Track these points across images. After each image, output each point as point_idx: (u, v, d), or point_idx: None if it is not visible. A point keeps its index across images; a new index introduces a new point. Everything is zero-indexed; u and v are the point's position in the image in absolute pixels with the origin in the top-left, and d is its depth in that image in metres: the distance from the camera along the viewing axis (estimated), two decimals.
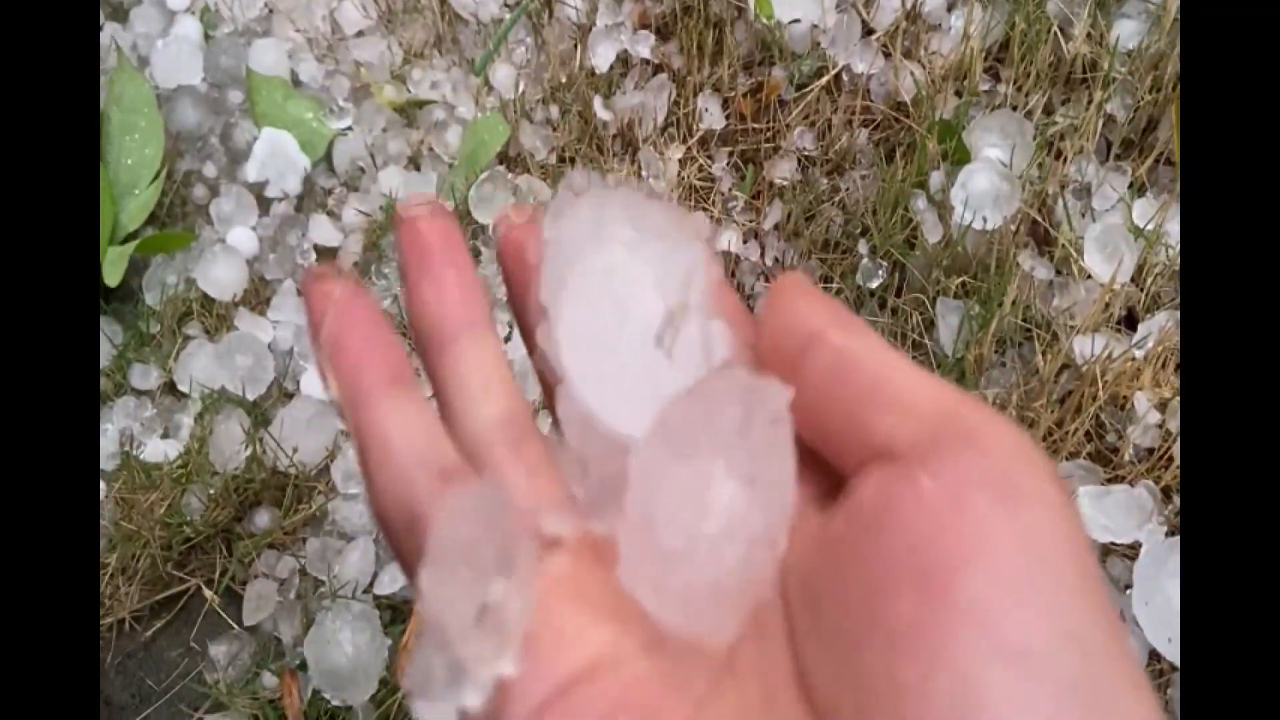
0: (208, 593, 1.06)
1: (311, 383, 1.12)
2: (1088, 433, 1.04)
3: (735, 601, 0.29)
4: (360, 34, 1.29)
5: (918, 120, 1.15)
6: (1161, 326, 1.05)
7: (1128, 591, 0.98)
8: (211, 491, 1.06)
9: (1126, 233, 1.09)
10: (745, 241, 1.16)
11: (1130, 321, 1.09)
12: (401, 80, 1.25)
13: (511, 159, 1.21)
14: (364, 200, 1.20)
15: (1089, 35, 1.17)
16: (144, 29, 1.30)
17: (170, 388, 1.14)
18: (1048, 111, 1.17)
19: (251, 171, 1.21)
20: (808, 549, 0.29)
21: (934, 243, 1.11)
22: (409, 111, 1.24)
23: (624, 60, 1.23)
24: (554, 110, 1.22)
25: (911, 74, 1.17)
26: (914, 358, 1.08)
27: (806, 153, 1.19)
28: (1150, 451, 1.03)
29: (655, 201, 0.33)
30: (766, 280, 1.15)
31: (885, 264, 1.12)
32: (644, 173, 1.18)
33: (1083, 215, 1.12)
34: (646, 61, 1.23)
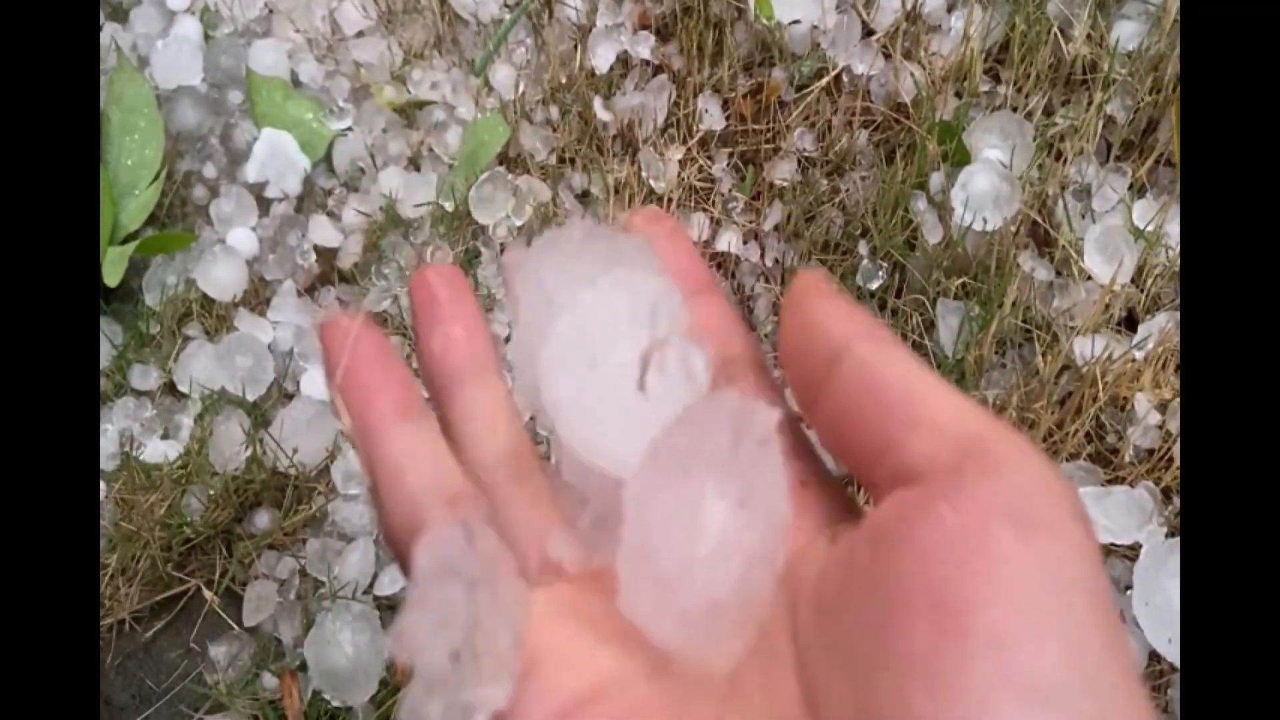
0: (208, 593, 1.06)
1: (311, 384, 1.12)
2: (1088, 434, 1.04)
3: (735, 622, 0.29)
4: (360, 34, 1.29)
5: (918, 121, 1.15)
6: (1162, 328, 1.05)
7: (1128, 592, 0.98)
8: (211, 492, 1.06)
9: (1127, 234, 1.09)
10: (745, 242, 1.16)
11: (1130, 323, 1.09)
12: (401, 81, 1.25)
13: (511, 160, 1.21)
14: (364, 201, 1.20)
15: (1089, 36, 1.17)
16: (144, 29, 1.30)
17: (170, 388, 1.14)
18: (1048, 113, 1.17)
19: (251, 172, 1.21)
20: (820, 572, 0.29)
21: (934, 244, 1.11)
22: (409, 112, 1.24)
23: (624, 61, 1.23)
24: (554, 111, 1.22)
25: (911, 75, 1.17)
26: None
27: (806, 154, 1.19)
28: (1150, 452, 1.03)
29: (604, 234, 0.34)
30: (766, 281, 1.15)
31: (885, 265, 1.12)
32: (644, 173, 1.18)
33: (1083, 216, 1.12)
34: (646, 62, 1.23)
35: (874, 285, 1.12)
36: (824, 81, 1.19)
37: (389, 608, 1.05)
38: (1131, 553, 1.00)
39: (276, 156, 1.20)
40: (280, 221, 1.19)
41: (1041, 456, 0.27)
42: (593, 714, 0.26)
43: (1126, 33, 1.17)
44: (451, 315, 0.35)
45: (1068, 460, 1.03)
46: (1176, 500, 0.99)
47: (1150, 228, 1.09)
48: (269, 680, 1.02)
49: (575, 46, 1.24)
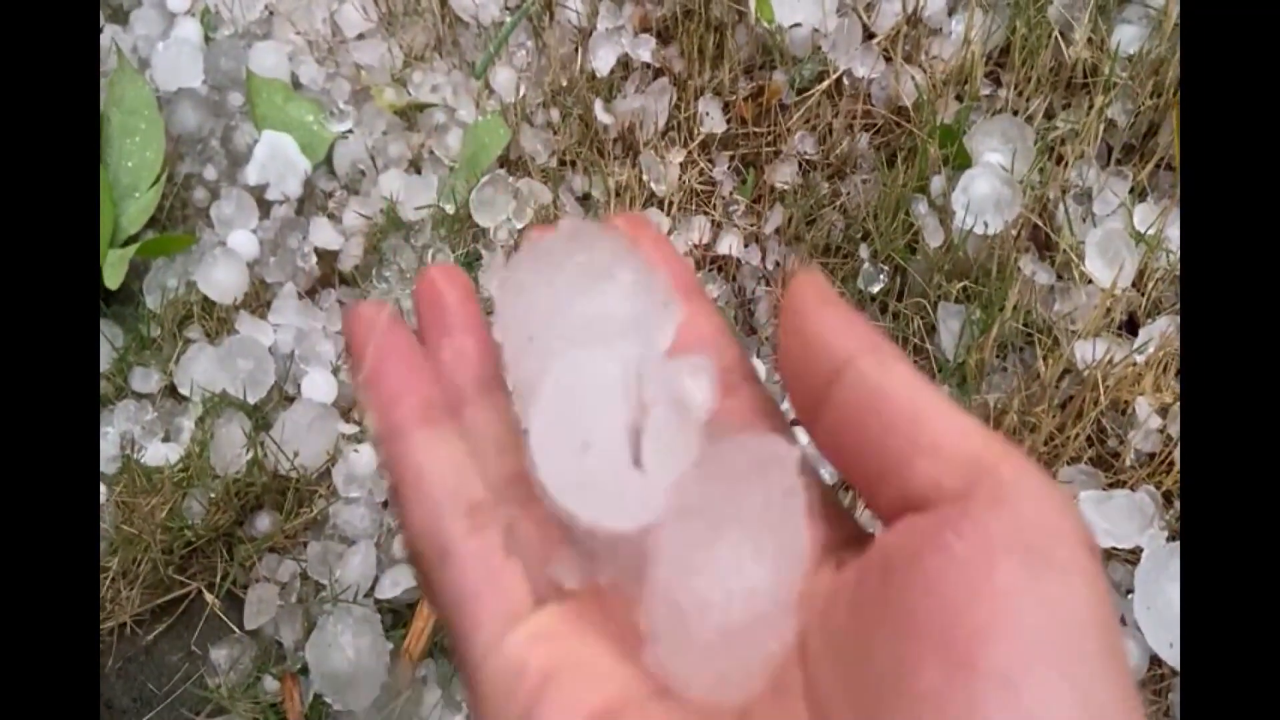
0: (209, 596, 1.06)
1: (312, 386, 1.12)
2: (1089, 438, 1.04)
3: (756, 663, 0.29)
4: (361, 37, 1.29)
5: (919, 125, 1.15)
6: (1163, 331, 1.05)
7: (1129, 596, 0.98)
8: (212, 495, 1.06)
9: (1128, 238, 1.09)
10: (746, 245, 1.16)
11: (1131, 326, 1.09)
12: (402, 83, 1.25)
13: (512, 162, 1.21)
14: (365, 203, 1.20)
15: (1090, 40, 1.17)
16: (144, 31, 1.30)
17: (171, 391, 1.14)
18: (1049, 116, 1.17)
19: (252, 174, 1.21)
20: (827, 600, 0.29)
21: (935, 247, 1.11)
22: (409, 114, 1.24)
23: (625, 64, 1.23)
24: (555, 113, 1.22)
25: (912, 78, 1.17)
26: (915, 362, 1.08)
27: (807, 157, 1.19)
28: (1151, 456, 1.03)
29: (584, 242, 0.33)
30: (767, 284, 1.15)
31: (886, 268, 1.12)
32: (645, 176, 1.18)
33: (1084, 220, 1.12)
34: (647, 65, 1.23)
35: (875, 289, 1.12)
36: (825, 85, 1.19)
37: (390, 611, 1.05)
38: (1132, 557, 1.00)
39: (277, 159, 1.20)
40: (281, 224, 1.19)
41: (1049, 482, 0.27)
42: None
43: (1127, 36, 1.17)
44: (462, 325, 0.34)
45: (1069, 464, 1.03)
46: (1177, 504, 0.99)
47: (1151, 231, 1.09)
48: (270, 683, 1.02)
49: (576, 49, 1.24)
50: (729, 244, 1.16)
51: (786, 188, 1.17)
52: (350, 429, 1.10)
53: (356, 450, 1.08)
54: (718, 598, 0.28)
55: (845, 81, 1.20)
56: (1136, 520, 0.99)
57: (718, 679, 0.28)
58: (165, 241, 1.18)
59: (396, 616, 1.05)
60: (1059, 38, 1.17)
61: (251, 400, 1.11)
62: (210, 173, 1.23)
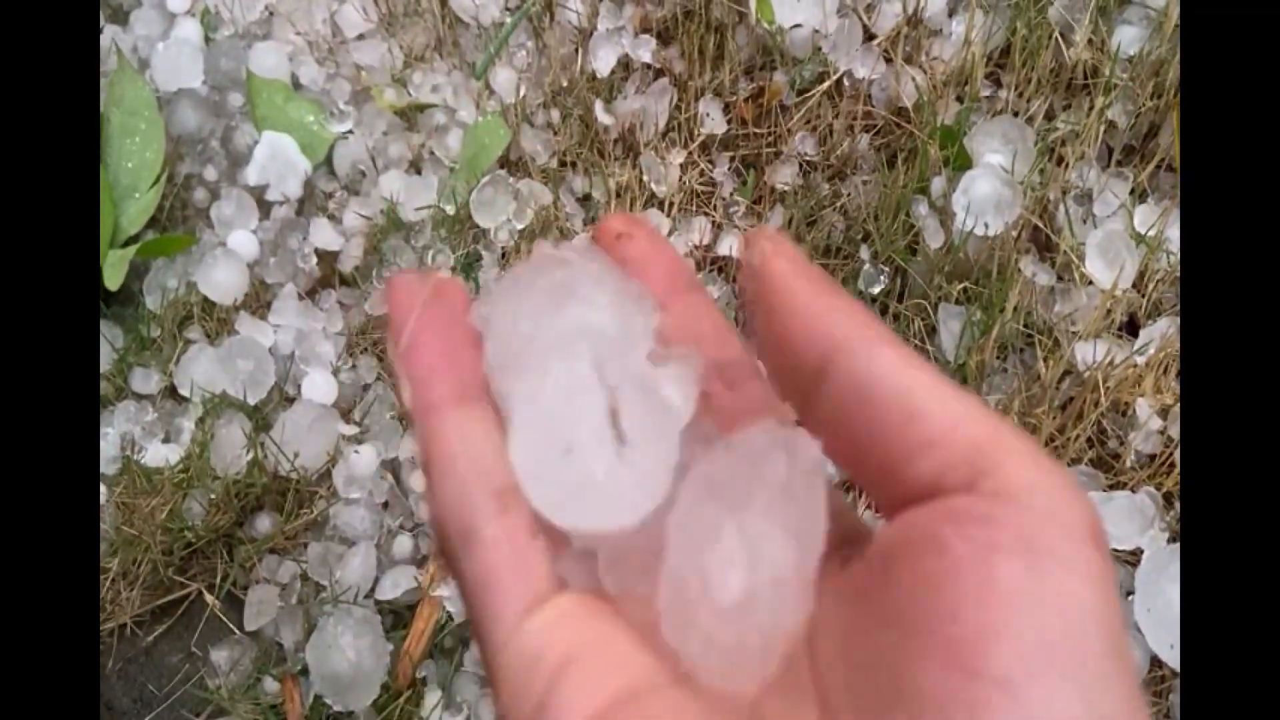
0: (209, 598, 1.06)
1: (313, 387, 1.12)
2: (1089, 439, 1.04)
3: (777, 650, 0.28)
4: (361, 37, 1.29)
5: (919, 126, 1.15)
6: (1163, 333, 1.05)
7: (1130, 598, 0.98)
8: (213, 496, 1.06)
9: (1128, 239, 1.09)
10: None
11: (1132, 328, 1.09)
12: (402, 84, 1.25)
13: (513, 163, 1.21)
14: (365, 204, 1.20)
15: (1090, 41, 1.17)
16: (144, 31, 1.30)
17: (171, 392, 1.14)
18: (1049, 117, 1.17)
19: (252, 175, 1.20)
20: (833, 598, 0.29)
21: (935, 248, 1.11)
22: (410, 115, 1.24)
23: (625, 64, 1.23)
24: (555, 114, 1.22)
25: (913, 79, 1.17)
26: None
27: (808, 158, 1.19)
28: (1152, 458, 1.03)
29: (559, 267, 0.33)
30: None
31: (887, 269, 1.12)
32: (645, 177, 1.18)
33: (1084, 221, 1.12)
34: (648, 66, 1.23)
35: (875, 290, 1.12)
36: (825, 86, 1.19)
37: (391, 612, 1.05)
38: (1133, 558, 1.00)
39: (277, 159, 1.20)
40: (281, 224, 1.19)
41: (1054, 470, 0.27)
42: (632, 714, 0.26)
43: (1128, 38, 1.17)
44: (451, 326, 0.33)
45: (1069, 465, 1.03)
46: (1178, 506, 0.99)
47: (1151, 233, 1.09)
48: (270, 685, 1.02)
49: (576, 50, 1.24)
50: (729, 245, 1.16)
51: (787, 189, 1.17)
52: (350, 430, 1.10)
53: (357, 451, 1.08)
54: (732, 574, 0.28)
55: (846, 82, 1.20)
56: (1137, 522, 0.99)
57: (731, 658, 0.28)
58: (165, 242, 1.18)
59: (397, 618, 1.05)
60: (1059, 39, 1.17)
61: (252, 401, 1.11)
62: (210, 173, 1.23)
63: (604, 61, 1.22)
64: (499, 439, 0.30)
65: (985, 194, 1.08)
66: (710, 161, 1.20)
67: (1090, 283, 1.08)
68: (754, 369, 0.35)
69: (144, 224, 1.19)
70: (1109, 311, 1.07)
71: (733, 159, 1.20)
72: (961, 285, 1.09)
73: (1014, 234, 1.10)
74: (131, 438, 1.10)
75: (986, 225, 1.08)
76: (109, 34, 1.28)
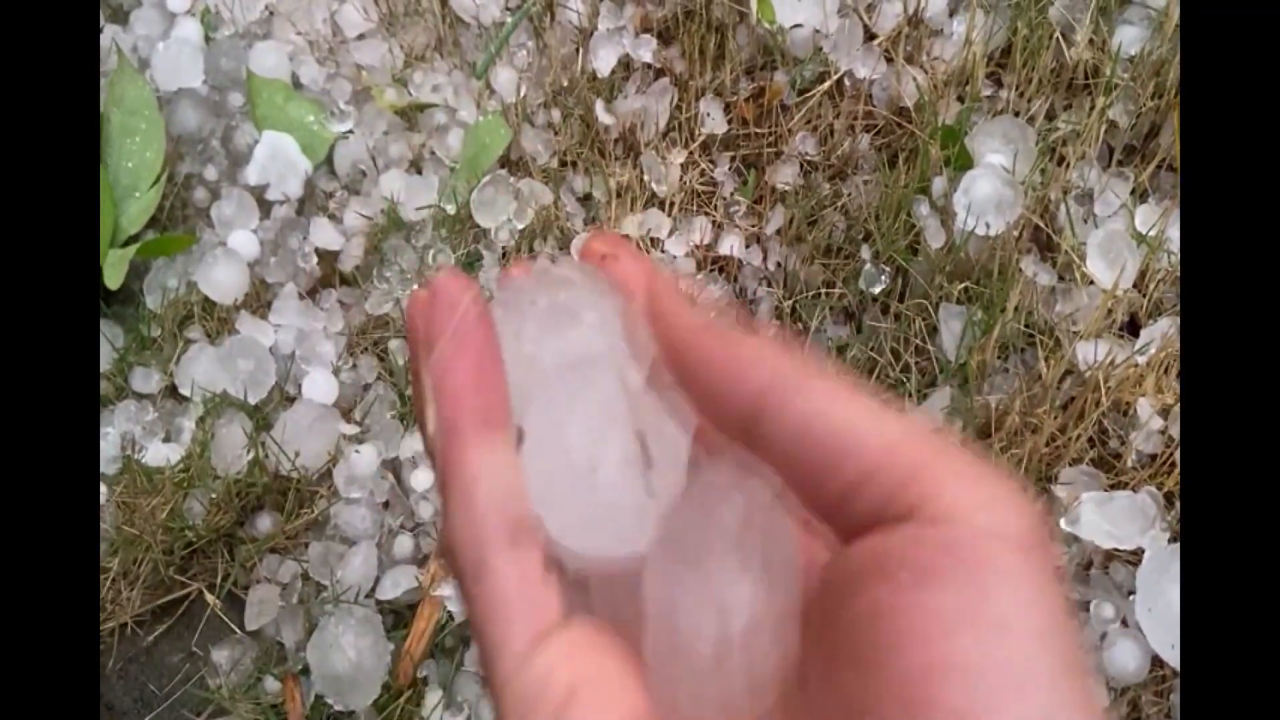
0: (210, 597, 1.06)
1: (313, 386, 1.12)
2: (1091, 439, 1.04)
3: (767, 687, 0.29)
4: (361, 37, 1.29)
5: (920, 125, 1.15)
6: (1164, 332, 1.05)
7: (1131, 597, 0.98)
8: (213, 495, 1.06)
9: (1129, 239, 1.09)
10: (747, 246, 1.16)
11: (1133, 327, 1.09)
12: (403, 83, 1.25)
13: (513, 163, 1.21)
14: (365, 204, 1.20)
15: (1091, 41, 1.17)
16: (144, 31, 1.30)
17: (171, 391, 1.14)
18: (1050, 117, 1.17)
19: (252, 174, 1.21)
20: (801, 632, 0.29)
21: (936, 248, 1.11)
22: (410, 115, 1.24)
23: (625, 64, 1.23)
24: (555, 114, 1.22)
25: (914, 79, 1.17)
26: (917, 364, 1.08)
27: (808, 158, 1.19)
28: (1153, 458, 1.03)
29: (557, 286, 0.32)
30: (769, 285, 1.15)
31: (888, 269, 1.12)
32: (646, 177, 1.18)
33: (1085, 221, 1.12)
34: (648, 65, 1.23)
35: (876, 290, 1.12)
36: (826, 85, 1.19)
37: (392, 612, 1.05)
38: (1134, 558, 1.00)
39: (277, 159, 1.20)
40: (281, 224, 1.19)
41: (997, 482, 0.27)
42: None
43: (1128, 38, 1.17)
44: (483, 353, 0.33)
45: (1071, 465, 1.03)
46: (1179, 505, 0.99)
47: (1152, 232, 1.09)
48: (271, 684, 1.02)
49: (577, 49, 1.24)
50: (730, 245, 1.16)
51: (788, 188, 1.17)
52: (351, 429, 1.10)
53: (358, 451, 1.08)
54: (704, 629, 0.28)
55: (846, 82, 1.20)
56: (1138, 521, 0.98)
57: (720, 706, 0.28)
58: (166, 242, 1.18)
59: (398, 617, 1.05)
60: (1060, 39, 1.17)
61: (252, 401, 1.11)
62: (211, 173, 1.23)
63: (605, 61, 1.22)
64: (516, 469, 0.30)
65: (986, 194, 1.08)
66: (711, 161, 1.20)
67: (1091, 282, 1.08)
68: None
69: (144, 223, 1.19)
70: (1110, 311, 1.07)
71: (733, 159, 1.20)
72: (963, 285, 1.09)
73: (1015, 234, 1.10)
74: (132, 437, 1.10)
75: (988, 225, 1.08)
76: (109, 34, 1.28)
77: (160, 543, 1.05)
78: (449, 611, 1.03)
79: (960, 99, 1.18)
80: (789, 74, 1.20)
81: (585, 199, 1.20)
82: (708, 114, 1.20)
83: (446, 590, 1.03)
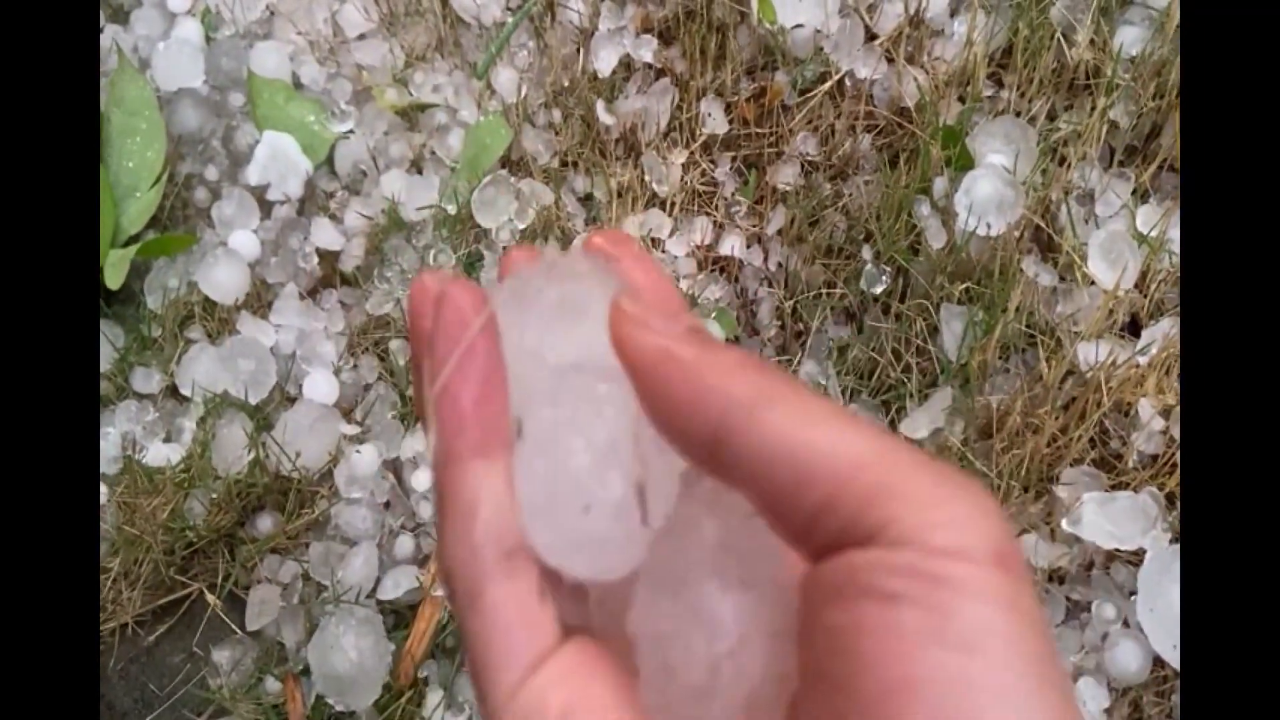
0: (210, 597, 1.06)
1: (314, 387, 1.12)
2: (1092, 439, 1.04)
3: (768, 697, 0.29)
4: (362, 37, 1.29)
5: (921, 126, 1.15)
6: (1165, 333, 1.05)
7: (1132, 598, 0.98)
8: (214, 496, 1.06)
9: (1130, 239, 1.09)
10: (748, 246, 1.16)
11: (1134, 328, 1.09)
12: (403, 83, 1.25)
13: (514, 163, 1.21)
14: (366, 204, 1.20)
15: (1092, 42, 1.17)
16: (145, 31, 1.30)
17: (172, 391, 1.14)
18: (1051, 118, 1.17)
19: (253, 174, 1.20)
20: None
21: (938, 249, 1.11)
22: (411, 115, 1.24)
23: (626, 64, 1.23)
24: (556, 114, 1.22)
25: (915, 79, 1.17)
26: (918, 364, 1.08)
27: (809, 158, 1.19)
28: (1154, 458, 1.03)
29: (565, 277, 0.32)
30: (769, 285, 1.15)
31: (889, 270, 1.12)
32: (647, 177, 1.18)
33: (1086, 221, 1.12)
34: (649, 66, 1.23)
35: (877, 290, 1.12)
36: (827, 86, 1.19)
37: (392, 612, 1.05)
38: (1136, 558, 1.00)
39: (278, 159, 1.20)
40: (282, 224, 1.19)
41: (959, 494, 0.26)
42: None
43: (1129, 38, 1.17)
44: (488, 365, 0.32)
45: (1072, 466, 1.03)
46: (1180, 506, 0.99)
47: (1154, 233, 1.09)
48: (272, 685, 1.02)
49: (577, 49, 1.24)
50: (731, 245, 1.16)
51: (789, 189, 1.17)
52: (352, 429, 1.10)
53: (358, 451, 1.08)
54: (697, 646, 0.28)
55: (847, 82, 1.20)
56: (1139, 522, 0.98)
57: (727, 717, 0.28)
58: (166, 242, 1.18)
59: (398, 617, 1.05)
60: (1061, 39, 1.17)
61: (253, 401, 1.11)
62: (211, 173, 1.23)
63: (605, 61, 1.22)
64: (511, 496, 0.30)
65: (987, 194, 1.08)
66: (712, 161, 1.20)
67: (1092, 283, 1.08)
68: None
69: (145, 223, 1.19)
70: (1111, 312, 1.06)
71: (734, 159, 1.20)
72: (964, 285, 1.09)
73: (1016, 234, 1.10)
74: (133, 437, 1.10)
75: (989, 225, 1.08)
76: (109, 34, 1.28)
77: (161, 543, 1.05)
78: (449, 612, 1.03)
79: (961, 99, 1.18)
80: (790, 74, 1.20)
81: (586, 199, 1.20)
82: (709, 114, 1.20)
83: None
